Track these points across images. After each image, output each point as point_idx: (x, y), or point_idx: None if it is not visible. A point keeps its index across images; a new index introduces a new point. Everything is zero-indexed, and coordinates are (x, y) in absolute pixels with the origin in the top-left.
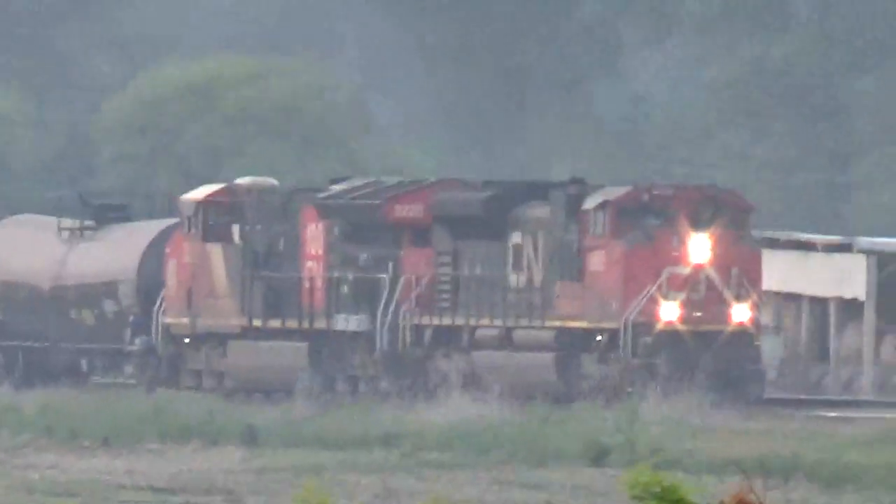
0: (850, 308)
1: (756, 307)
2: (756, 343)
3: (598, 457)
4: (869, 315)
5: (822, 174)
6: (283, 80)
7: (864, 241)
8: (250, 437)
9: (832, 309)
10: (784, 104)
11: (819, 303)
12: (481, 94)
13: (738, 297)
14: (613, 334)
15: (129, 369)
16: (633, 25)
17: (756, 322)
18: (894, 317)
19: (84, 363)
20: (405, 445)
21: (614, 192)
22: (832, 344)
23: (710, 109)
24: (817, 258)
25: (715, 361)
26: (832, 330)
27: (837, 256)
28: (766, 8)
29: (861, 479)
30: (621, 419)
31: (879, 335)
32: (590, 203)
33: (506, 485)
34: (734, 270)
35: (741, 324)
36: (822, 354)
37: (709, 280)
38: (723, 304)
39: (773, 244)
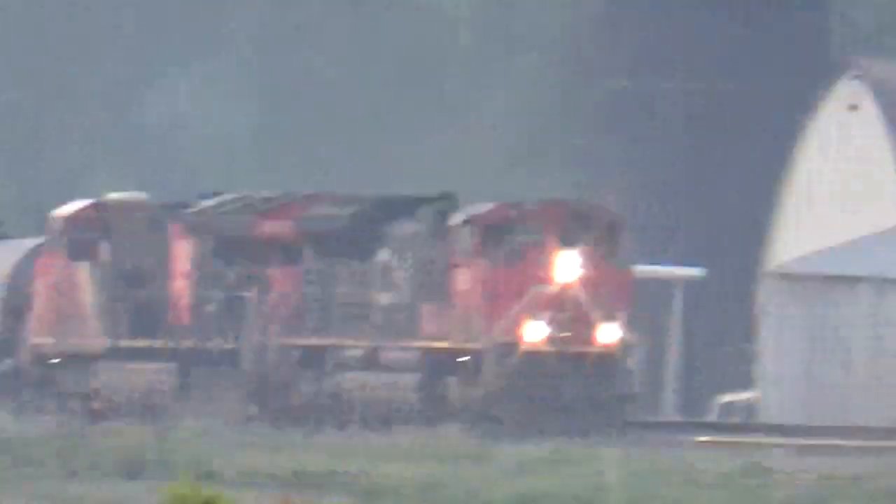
0: None
1: (624, 327)
2: (624, 364)
3: (134, 471)
4: None
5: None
6: None
7: None
8: None
9: None
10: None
11: None
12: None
13: (606, 318)
14: (478, 355)
15: None
16: (173, 43)
17: (623, 343)
18: None
19: None
20: None
21: (480, 209)
22: None
23: (247, 125)
24: None
25: (581, 383)
26: None
27: None
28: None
29: (397, 492)
30: (156, 433)
31: None
32: (455, 220)
33: (44, 499)
34: (602, 290)
35: (608, 345)
36: None
37: (576, 300)
38: (590, 324)
39: None
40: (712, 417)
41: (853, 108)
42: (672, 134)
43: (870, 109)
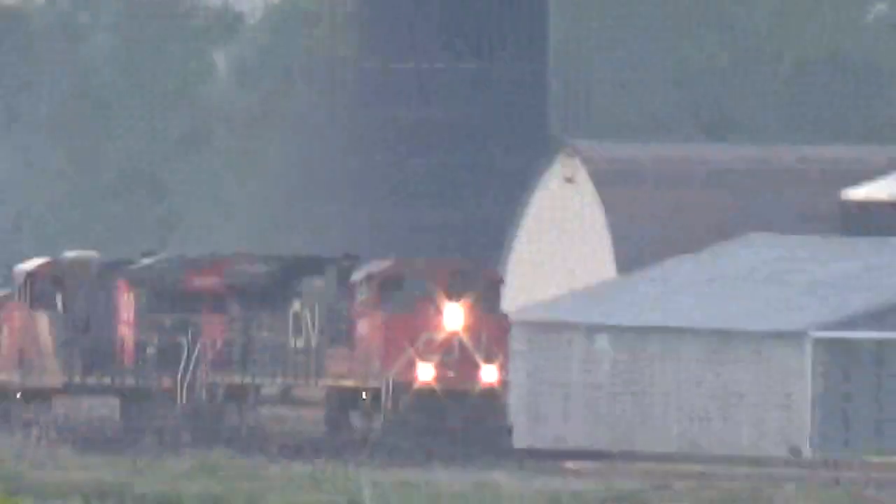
0: None
1: (503, 369)
2: (503, 401)
3: None
4: None
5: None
6: None
7: None
8: None
9: None
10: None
11: None
12: None
13: (488, 360)
14: (377, 392)
15: None
16: None
17: (503, 382)
18: None
19: None
20: None
21: (378, 266)
22: None
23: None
24: None
25: (466, 417)
26: None
27: None
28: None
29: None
30: None
31: None
32: (357, 276)
33: None
34: (484, 336)
35: (490, 384)
36: None
37: (461, 344)
38: (474, 365)
39: None
40: None
41: (569, 180)
42: (418, 201)
43: (584, 182)
